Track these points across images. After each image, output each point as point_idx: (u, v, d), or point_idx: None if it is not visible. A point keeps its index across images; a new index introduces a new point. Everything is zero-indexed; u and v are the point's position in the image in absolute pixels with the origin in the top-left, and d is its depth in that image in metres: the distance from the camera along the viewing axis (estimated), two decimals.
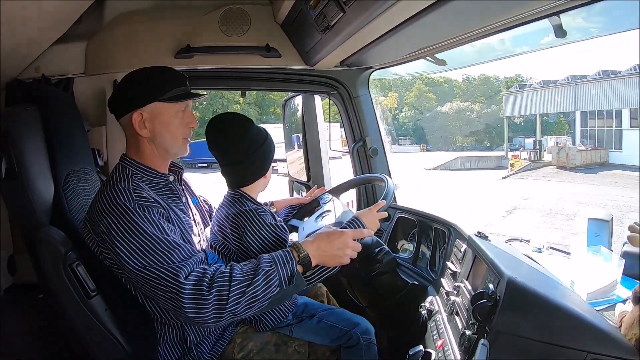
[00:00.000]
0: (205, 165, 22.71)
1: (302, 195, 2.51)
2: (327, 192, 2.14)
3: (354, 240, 1.54)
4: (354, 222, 1.62)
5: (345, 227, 1.59)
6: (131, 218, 1.38)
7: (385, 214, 1.72)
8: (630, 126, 24.26)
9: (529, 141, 30.97)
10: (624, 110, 24.62)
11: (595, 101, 26.79)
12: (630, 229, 1.24)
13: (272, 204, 2.10)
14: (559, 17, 1.53)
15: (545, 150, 27.16)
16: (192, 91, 1.60)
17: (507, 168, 25.20)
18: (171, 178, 1.63)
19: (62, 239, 1.53)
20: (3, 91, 2.01)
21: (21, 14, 1.50)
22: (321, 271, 1.57)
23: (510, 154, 28.93)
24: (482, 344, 1.24)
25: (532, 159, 26.63)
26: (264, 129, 1.80)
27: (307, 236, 1.59)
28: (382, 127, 2.58)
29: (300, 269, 1.45)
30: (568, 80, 28.78)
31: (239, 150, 1.72)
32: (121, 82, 1.58)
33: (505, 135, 33.87)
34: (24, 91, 1.89)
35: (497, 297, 1.27)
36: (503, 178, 22.55)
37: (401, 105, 46.67)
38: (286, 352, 1.73)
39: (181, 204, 1.62)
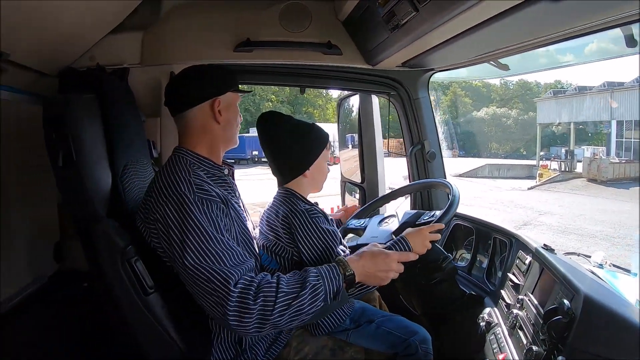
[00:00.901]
0: (233, 160, 22.98)
1: (354, 196, 2.47)
2: (388, 194, 2.13)
3: (399, 262, 1.52)
4: (401, 244, 1.59)
5: (391, 248, 1.57)
6: (190, 210, 1.36)
7: (438, 237, 1.66)
8: None
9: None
10: None
11: (633, 110, 25.00)
12: None
13: None
14: (631, 27, 1.47)
15: (580, 161, 25.17)
16: (244, 86, 1.71)
17: (537, 178, 24.09)
18: (226, 171, 1.62)
19: (121, 233, 1.51)
20: (57, 79, 1.99)
21: (78, 2, 1.49)
22: (361, 289, 1.56)
23: (541, 163, 27.60)
24: None
25: (563, 169, 25.27)
26: (309, 124, 1.77)
27: (356, 246, 1.61)
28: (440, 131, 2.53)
29: (344, 285, 1.44)
30: (604, 87, 27.04)
31: (278, 144, 1.72)
32: (185, 74, 1.59)
33: (538, 143, 32.23)
34: (79, 79, 1.88)
35: (573, 314, 1.24)
36: (529, 189, 21.39)
37: (436, 108, 46.28)
38: (342, 358, 1.70)
39: (236, 198, 1.61)
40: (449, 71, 2.42)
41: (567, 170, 25.10)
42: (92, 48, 2.09)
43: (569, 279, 1.35)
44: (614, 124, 26.70)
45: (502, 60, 2.07)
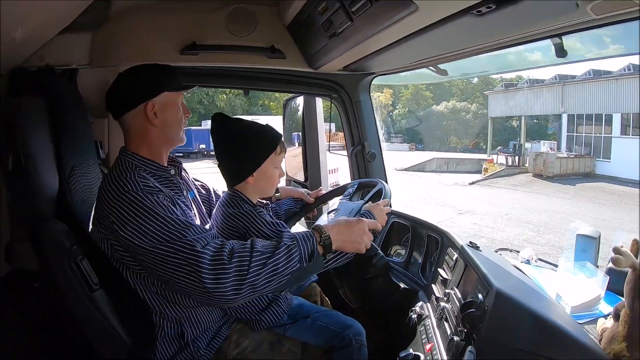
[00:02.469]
0: (181, 155, 22.49)
1: None
2: (322, 195, 2.18)
3: (369, 230, 1.59)
4: (367, 215, 1.67)
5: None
6: (141, 203, 1.41)
7: (390, 209, 1.78)
8: (621, 133, 22.74)
9: (529, 146, 28.31)
10: (615, 115, 22.96)
11: (584, 104, 24.92)
12: (615, 250, 1.27)
13: (276, 190, 2.08)
14: (561, 38, 1.57)
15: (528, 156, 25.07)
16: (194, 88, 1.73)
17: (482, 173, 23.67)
18: (172, 172, 1.66)
19: (67, 233, 1.54)
20: (5, 79, 1.98)
21: (28, 2, 1.49)
22: (338, 256, 1.59)
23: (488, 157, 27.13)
24: (469, 350, 1.30)
25: (510, 164, 24.95)
26: (259, 127, 1.79)
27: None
28: (381, 131, 2.61)
29: (320, 249, 1.48)
30: (555, 79, 26.94)
31: (223, 148, 1.76)
32: (124, 77, 1.62)
33: (489, 137, 32.40)
34: (28, 80, 1.89)
35: (486, 307, 1.33)
36: (470, 184, 20.90)
37: (396, 102, 45.57)
38: (280, 351, 1.76)
39: (183, 197, 1.64)
40: (389, 75, 2.51)
41: (514, 165, 24.95)
42: (42, 47, 2.07)
43: (485, 275, 1.45)
44: (564, 117, 26.83)
45: (442, 66, 2.18)
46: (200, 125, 25.63)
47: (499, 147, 30.13)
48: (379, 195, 1.91)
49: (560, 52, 1.62)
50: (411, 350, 1.56)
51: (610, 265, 1.51)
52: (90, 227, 1.58)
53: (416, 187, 18.39)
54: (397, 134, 42.39)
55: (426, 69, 2.21)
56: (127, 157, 1.56)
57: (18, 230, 2.06)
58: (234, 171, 1.75)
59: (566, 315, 1.42)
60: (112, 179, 1.48)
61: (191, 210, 1.66)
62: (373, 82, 2.57)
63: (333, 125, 2.80)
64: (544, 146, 27.29)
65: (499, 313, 1.31)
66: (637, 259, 1.25)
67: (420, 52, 1.98)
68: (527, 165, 24.25)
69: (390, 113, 44.81)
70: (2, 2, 1.37)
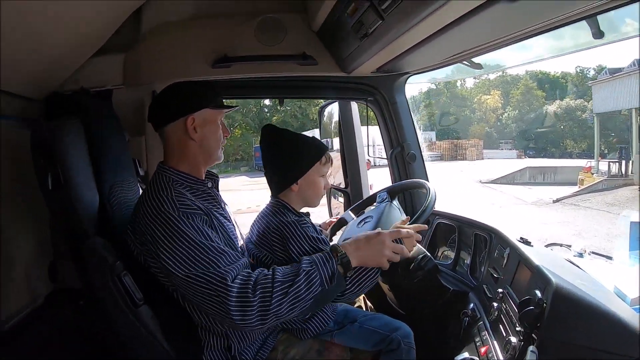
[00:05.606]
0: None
1: (338, 200, 2.52)
2: (370, 196, 2.16)
3: (393, 241, 1.55)
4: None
5: None
6: (176, 226, 1.42)
7: (425, 227, 1.70)
8: None
9: None
10: None
11: None
12: None
13: None
14: (596, 18, 1.53)
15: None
16: (228, 102, 1.75)
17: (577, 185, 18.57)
18: (209, 185, 1.67)
19: (109, 249, 1.55)
20: (43, 104, 2.04)
21: (60, 27, 1.54)
22: (362, 273, 1.56)
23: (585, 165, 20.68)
24: (531, 350, 1.26)
25: (614, 173, 19.06)
26: (306, 137, 1.82)
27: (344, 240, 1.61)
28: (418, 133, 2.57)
29: (340, 269, 1.47)
30: None
31: (270, 156, 1.79)
32: (166, 91, 1.64)
33: (596, 139, 24.99)
34: (64, 103, 1.94)
35: (545, 304, 1.28)
36: (554, 202, 15.89)
37: (505, 104, 42.09)
38: (328, 358, 1.75)
39: (221, 210, 1.65)
40: (424, 73, 2.47)
41: (619, 173, 19.10)
42: (76, 72, 2.13)
43: (541, 271, 1.40)
44: None
45: (476, 59, 2.13)
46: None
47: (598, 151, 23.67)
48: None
49: (597, 33, 1.56)
50: (467, 354, 1.53)
51: None
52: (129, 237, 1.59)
53: (478, 207, 13.72)
54: (507, 140, 39.20)
55: (460, 64, 2.17)
56: (164, 172, 1.58)
57: (61, 248, 2.10)
58: (280, 178, 1.77)
59: (627, 308, 1.36)
60: (150, 195, 1.49)
61: (230, 222, 1.66)
62: (410, 82, 2.55)
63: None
64: None
65: (559, 310, 1.26)
66: None
67: (454, 46, 1.94)
68: (633, 173, 18.52)
69: (500, 116, 41.67)
70: (33, 31, 1.42)
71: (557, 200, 15.86)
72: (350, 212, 2.15)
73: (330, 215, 3.08)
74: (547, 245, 1.98)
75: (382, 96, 2.52)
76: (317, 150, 1.78)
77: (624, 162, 19.20)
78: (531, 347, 1.26)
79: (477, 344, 1.58)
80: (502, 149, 36.63)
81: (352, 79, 2.46)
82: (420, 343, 1.85)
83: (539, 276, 1.39)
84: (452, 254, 2.18)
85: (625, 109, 22.70)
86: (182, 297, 1.54)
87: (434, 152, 34.32)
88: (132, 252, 1.54)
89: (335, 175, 3.00)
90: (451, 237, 2.24)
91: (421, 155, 2.58)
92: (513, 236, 1.76)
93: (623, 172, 18.93)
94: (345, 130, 2.84)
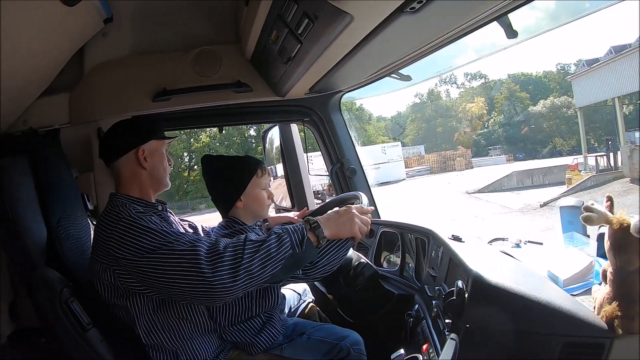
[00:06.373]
0: None
1: None
2: (317, 209, 2.22)
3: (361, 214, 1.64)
4: None
5: None
6: (136, 223, 1.51)
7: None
8: None
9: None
10: None
11: None
12: (586, 209, 1.28)
13: (265, 220, 2.14)
14: (507, 17, 1.61)
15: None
16: (169, 133, 1.89)
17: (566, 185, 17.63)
18: (160, 207, 1.78)
19: (57, 278, 1.63)
20: None
21: (8, 67, 1.60)
22: (334, 244, 1.63)
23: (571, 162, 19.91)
24: (450, 338, 1.30)
25: (603, 167, 18.23)
26: (239, 157, 1.94)
27: None
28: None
29: (311, 236, 1.54)
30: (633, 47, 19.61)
31: (211, 182, 1.92)
32: (113, 129, 1.78)
33: (582, 134, 23.88)
34: (14, 144, 2.00)
35: (465, 294, 1.34)
36: (542, 206, 15.05)
37: (490, 110, 42.16)
38: None
39: (172, 229, 1.70)
40: (358, 89, 2.56)
41: (608, 167, 18.09)
42: (24, 112, 2.21)
43: (463, 263, 1.46)
44: None
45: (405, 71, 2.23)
46: None
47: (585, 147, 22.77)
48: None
49: (510, 32, 1.65)
50: (402, 351, 1.58)
51: (601, 230, 1.50)
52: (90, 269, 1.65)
53: (459, 222, 13.52)
54: (495, 146, 39.31)
55: (389, 77, 2.27)
56: (118, 198, 1.68)
57: (19, 287, 2.12)
58: (224, 199, 1.89)
59: (556, 289, 1.42)
60: (107, 216, 1.58)
61: None
62: (344, 100, 2.65)
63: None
64: None
65: (478, 297, 1.31)
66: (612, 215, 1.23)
67: (375, 62, 2.04)
68: (622, 165, 17.60)
69: (486, 123, 41.89)
70: None
71: (545, 204, 15.04)
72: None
73: None
74: (490, 242, 2.05)
75: (317, 116, 2.61)
76: (251, 166, 1.90)
77: (612, 155, 18.47)
78: (452, 335, 1.30)
79: (420, 342, 1.63)
80: (491, 155, 36.66)
81: (287, 102, 2.55)
82: (372, 349, 1.90)
83: (462, 268, 1.46)
84: (398, 260, 2.23)
85: (610, 99, 21.91)
86: (130, 321, 1.59)
87: (424, 165, 34.47)
88: (98, 278, 1.59)
89: (285, 199, 3.06)
90: (396, 245, 2.30)
91: (361, 168, 2.66)
92: (445, 235, 1.83)
93: (612, 166, 18.24)
94: (288, 153, 2.93)
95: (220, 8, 2.30)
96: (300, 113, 2.62)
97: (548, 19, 1.77)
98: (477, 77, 46.27)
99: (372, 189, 2.66)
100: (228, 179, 1.88)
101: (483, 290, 1.31)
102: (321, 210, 2.21)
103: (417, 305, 1.84)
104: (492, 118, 42.57)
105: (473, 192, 20.76)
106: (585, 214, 1.27)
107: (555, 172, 22.15)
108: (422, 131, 44.54)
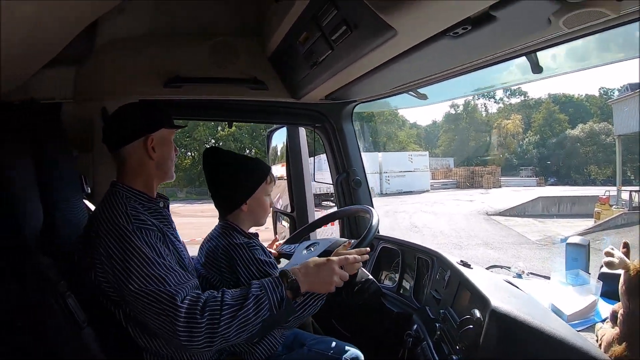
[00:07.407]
0: None
1: (282, 223, 2.52)
2: (322, 217, 2.19)
3: (340, 268, 1.58)
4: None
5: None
6: (130, 240, 1.42)
7: (367, 250, 1.72)
8: None
9: None
10: None
11: None
12: (607, 254, 1.32)
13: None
14: (536, 55, 1.64)
15: None
16: (177, 121, 1.78)
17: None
18: (161, 204, 1.67)
19: (53, 268, 1.51)
20: None
21: (17, 30, 1.51)
22: (310, 298, 1.58)
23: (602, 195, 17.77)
24: None
25: (638, 204, 15.86)
26: (250, 158, 1.87)
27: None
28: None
29: (289, 294, 1.48)
30: None
31: (217, 178, 1.81)
32: (122, 112, 1.66)
33: (618, 164, 22.54)
34: (12, 115, 1.88)
35: (483, 323, 1.33)
36: (561, 241, 7.88)
37: (526, 129, 41.00)
38: None
39: (172, 230, 1.66)
40: (372, 102, 2.55)
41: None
42: (26, 82, 2.06)
43: (479, 291, 1.46)
44: None
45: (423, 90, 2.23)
46: None
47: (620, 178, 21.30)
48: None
49: (536, 68, 1.68)
50: None
51: (603, 270, 1.54)
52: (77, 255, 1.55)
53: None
54: (527, 166, 37.68)
55: (407, 94, 2.26)
56: (119, 189, 1.58)
57: None
58: (229, 199, 1.79)
59: (563, 324, 1.42)
60: (104, 209, 1.49)
61: (180, 243, 1.67)
62: (357, 110, 2.62)
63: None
64: None
65: (496, 328, 1.31)
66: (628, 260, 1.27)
67: (400, 77, 2.03)
68: None
69: (521, 142, 40.67)
70: None
71: (565, 240, 12.81)
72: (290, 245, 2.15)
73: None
74: (488, 268, 2.06)
75: (330, 123, 2.58)
76: (263, 170, 1.83)
77: None
78: (455, 357, 1.32)
79: None
80: (522, 176, 35.56)
81: (301, 105, 2.51)
82: None
83: (477, 297, 1.45)
84: (396, 277, 2.23)
85: None
86: (125, 320, 1.52)
87: (450, 179, 34.05)
88: (79, 270, 1.51)
89: (281, 199, 3.02)
90: (395, 261, 2.29)
91: (366, 181, 2.64)
92: (454, 259, 1.82)
93: None
94: (293, 156, 2.87)
95: None
96: (313, 118, 2.58)
97: (575, 59, 1.79)
98: (517, 94, 45.45)
99: (389, 198, 2.66)
100: (239, 178, 1.79)
101: (502, 322, 1.31)
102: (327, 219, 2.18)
103: (415, 325, 1.83)
104: (527, 137, 41.53)
105: (493, 214, 19.66)
106: (607, 258, 1.31)
107: (584, 203, 20.02)
108: (454, 143, 43.98)
